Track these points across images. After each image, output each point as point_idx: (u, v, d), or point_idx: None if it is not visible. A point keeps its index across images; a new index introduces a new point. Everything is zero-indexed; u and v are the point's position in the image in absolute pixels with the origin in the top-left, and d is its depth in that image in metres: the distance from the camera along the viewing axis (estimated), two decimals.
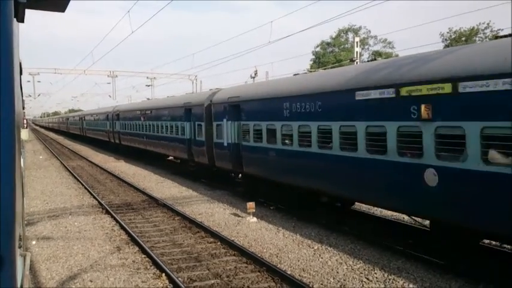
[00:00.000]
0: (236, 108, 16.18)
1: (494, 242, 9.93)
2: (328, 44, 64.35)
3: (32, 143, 57.62)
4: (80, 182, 22.05)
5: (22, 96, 9.26)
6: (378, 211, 14.11)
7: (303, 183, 12.59)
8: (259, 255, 10.04)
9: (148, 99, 40.99)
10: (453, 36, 50.42)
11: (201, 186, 20.08)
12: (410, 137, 8.70)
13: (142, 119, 29.09)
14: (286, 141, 13.08)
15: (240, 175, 18.11)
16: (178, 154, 23.72)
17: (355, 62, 26.00)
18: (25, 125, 23.59)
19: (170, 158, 28.80)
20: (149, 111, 28.07)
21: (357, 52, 27.38)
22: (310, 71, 37.95)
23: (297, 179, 12.77)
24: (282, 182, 13.78)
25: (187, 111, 21.20)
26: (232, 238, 11.52)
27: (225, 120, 16.96)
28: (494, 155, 7.31)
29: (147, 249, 10.56)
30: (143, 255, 10.40)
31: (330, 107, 11.18)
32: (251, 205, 13.51)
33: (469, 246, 8.99)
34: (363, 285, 8.39)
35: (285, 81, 14.56)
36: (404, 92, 8.76)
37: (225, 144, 16.98)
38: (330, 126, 11.04)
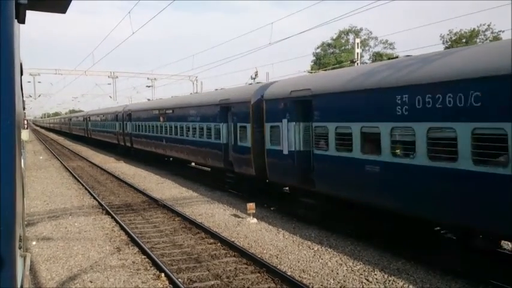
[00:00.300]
0: (304, 105, 12.41)
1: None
2: (328, 45, 64.41)
3: (33, 143, 57.66)
4: (80, 183, 22.06)
5: (22, 96, 9.27)
6: None
7: (434, 213, 8.59)
8: (259, 256, 10.04)
9: (148, 99, 40.46)
10: (453, 38, 50.48)
11: (201, 187, 20.07)
12: None
13: (161, 119, 25.28)
14: (399, 151, 9.26)
15: (287, 188, 14.76)
16: (210, 162, 19.58)
17: (356, 64, 26.02)
18: (25, 126, 23.60)
19: (192, 164, 25.52)
20: (170, 111, 24.07)
21: (357, 53, 27.39)
22: (310, 72, 37.95)
23: (422, 206, 8.74)
24: (388, 209, 9.73)
25: (223, 110, 17.47)
26: (233, 239, 11.52)
27: (284, 121, 13.13)
28: None
29: (147, 250, 10.56)
30: (143, 256, 10.40)
31: (505, 100, 7.07)
32: (251, 206, 13.50)
33: None
34: (362, 287, 8.38)
35: (398, 64, 9.89)
36: None
37: (285, 152, 13.13)
38: (504, 131, 7.03)
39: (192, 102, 21.66)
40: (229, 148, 17.23)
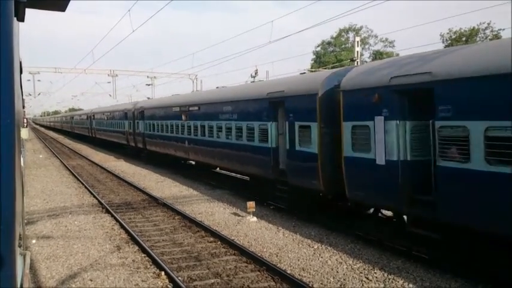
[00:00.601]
0: (416, 97, 9.12)
1: None
2: (328, 43, 64.43)
3: (32, 142, 57.65)
4: (80, 181, 22.06)
5: (22, 95, 9.27)
6: None
7: None
8: (259, 254, 10.05)
9: (148, 98, 40.05)
10: (453, 37, 50.51)
11: (201, 185, 20.07)
12: None
13: (183, 117, 21.98)
14: None
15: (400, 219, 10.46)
16: (251, 170, 16.02)
17: (356, 62, 26.02)
18: (25, 124, 23.57)
19: (217, 169, 22.65)
20: (196, 108, 20.53)
21: (357, 52, 27.39)
22: (311, 71, 37.95)
23: None
24: None
25: (273, 106, 14.10)
26: (232, 237, 11.52)
27: (379, 118, 9.73)
28: None
29: (147, 248, 10.57)
30: (143, 255, 10.40)
31: None
32: (251, 204, 13.50)
33: None
34: (362, 285, 8.39)
35: None
36: None
37: (380, 161, 9.69)
38: None
39: (227, 96, 18.04)
40: (280, 153, 13.91)
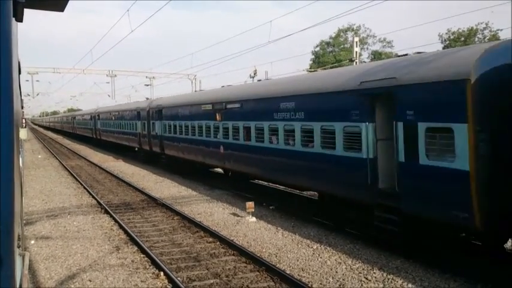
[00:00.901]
0: None
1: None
2: (327, 43, 64.48)
3: (31, 142, 57.59)
4: (79, 182, 22.05)
5: (21, 95, 9.26)
6: None
7: None
8: (258, 254, 10.05)
9: (147, 98, 39.45)
10: (452, 37, 50.60)
11: (200, 185, 20.05)
12: None
13: (217, 117, 18.32)
14: None
15: None
16: (327, 187, 12.00)
17: (355, 62, 26.04)
18: (24, 124, 23.53)
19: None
20: (237, 105, 16.66)
21: (356, 52, 27.41)
22: (310, 71, 37.96)
23: None
24: None
25: (369, 100, 10.18)
26: (232, 238, 11.52)
27: None
28: None
29: (146, 248, 10.56)
30: (142, 255, 10.40)
31: None
32: (250, 205, 13.49)
33: None
34: (362, 285, 8.39)
35: None
36: None
37: None
38: None
39: (286, 89, 14.01)
40: (379, 167, 10.02)
